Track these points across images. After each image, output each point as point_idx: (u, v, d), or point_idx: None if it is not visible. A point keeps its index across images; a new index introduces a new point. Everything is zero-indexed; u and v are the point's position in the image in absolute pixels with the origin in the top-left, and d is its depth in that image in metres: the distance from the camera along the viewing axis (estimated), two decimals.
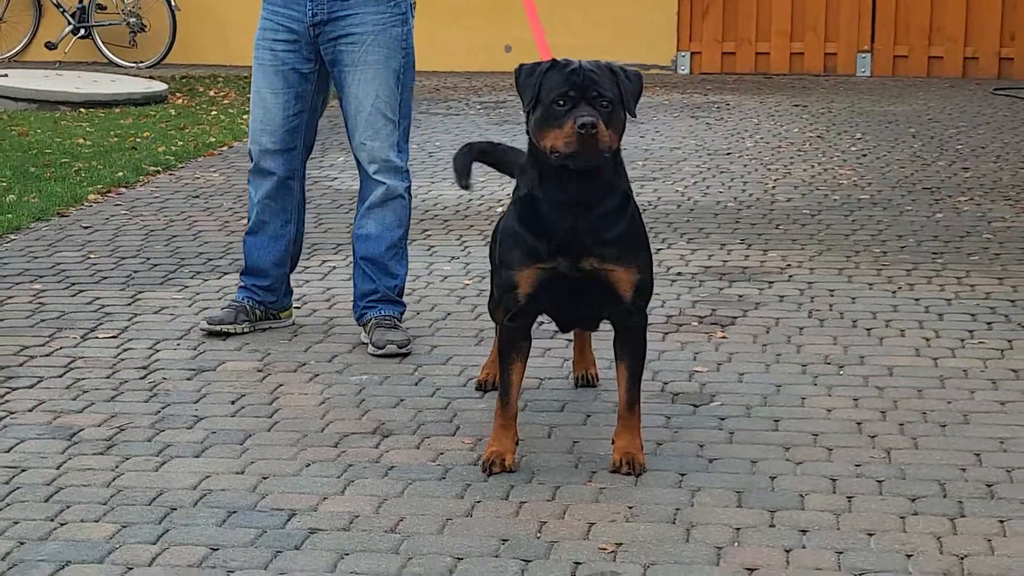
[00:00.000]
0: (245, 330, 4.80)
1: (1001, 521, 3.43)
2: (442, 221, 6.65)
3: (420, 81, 11.95)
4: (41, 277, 5.62)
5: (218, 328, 4.78)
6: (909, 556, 3.25)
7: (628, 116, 3.61)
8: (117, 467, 3.72)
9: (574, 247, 3.60)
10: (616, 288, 3.64)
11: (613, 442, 3.75)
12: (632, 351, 3.71)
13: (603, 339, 4.16)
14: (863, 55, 11.97)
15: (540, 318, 3.94)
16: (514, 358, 3.73)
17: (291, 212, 4.89)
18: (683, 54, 12.27)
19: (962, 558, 3.25)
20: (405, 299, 4.89)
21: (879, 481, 3.67)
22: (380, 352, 4.61)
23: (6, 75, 10.57)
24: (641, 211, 3.86)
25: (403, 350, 4.62)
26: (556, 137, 3.50)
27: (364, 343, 4.73)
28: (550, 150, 3.54)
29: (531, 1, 4.10)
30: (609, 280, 3.63)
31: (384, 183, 4.76)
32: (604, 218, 3.61)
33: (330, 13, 4.67)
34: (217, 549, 3.25)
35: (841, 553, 3.27)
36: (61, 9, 12.30)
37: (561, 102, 3.49)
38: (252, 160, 4.82)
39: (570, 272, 3.62)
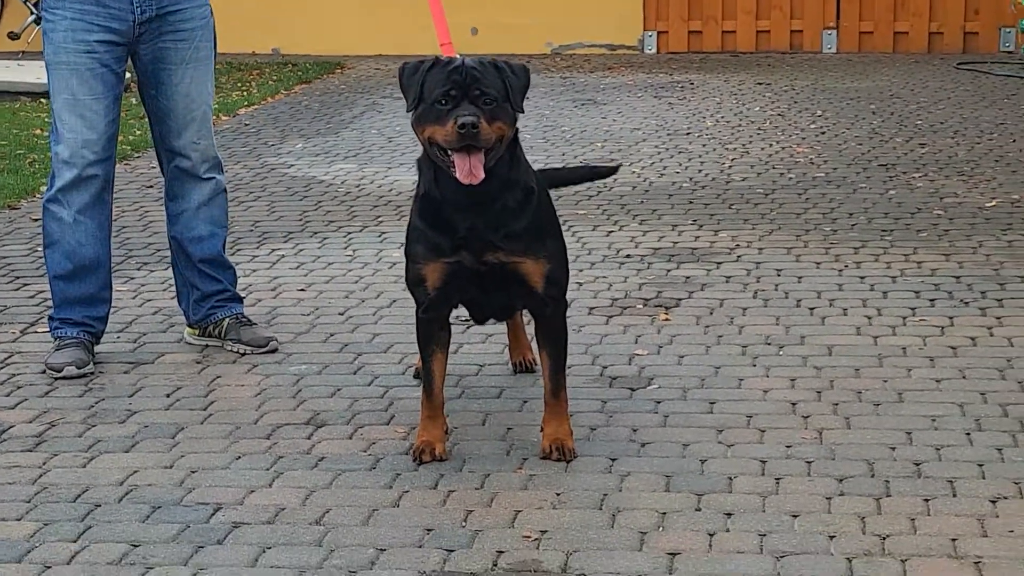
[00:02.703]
0: (91, 370, 4.40)
1: (926, 500, 3.44)
2: (395, 207, 6.64)
3: (385, 65, 12.04)
4: None
5: (80, 372, 4.35)
6: (832, 537, 3.26)
7: (516, 111, 3.58)
8: (44, 464, 3.71)
9: (476, 243, 3.61)
10: (527, 280, 3.65)
11: (542, 429, 3.75)
12: (552, 339, 3.71)
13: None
14: (829, 32, 11.95)
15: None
16: (433, 349, 3.73)
17: (106, 230, 4.53)
18: (649, 34, 12.23)
19: (884, 538, 3.25)
20: (357, 286, 4.78)
21: (808, 462, 3.68)
22: (263, 349, 4.55)
23: None
24: (551, 201, 3.85)
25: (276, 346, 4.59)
26: (436, 133, 3.50)
27: (215, 345, 4.61)
28: (431, 146, 3.53)
29: None
30: (518, 272, 3.64)
31: (214, 178, 4.62)
32: (505, 212, 3.61)
33: (159, 9, 4.41)
34: (138, 546, 3.24)
35: (764, 536, 3.27)
36: None
37: (443, 101, 3.49)
38: (63, 181, 4.40)
39: (475, 266, 3.63)
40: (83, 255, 4.48)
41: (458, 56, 3.63)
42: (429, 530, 3.32)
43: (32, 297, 5.24)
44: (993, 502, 3.42)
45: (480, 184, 3.52)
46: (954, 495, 3.47)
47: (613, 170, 4.84)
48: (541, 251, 3.65)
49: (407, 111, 3.61)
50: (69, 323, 4.50)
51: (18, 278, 5.50)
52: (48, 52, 4.42)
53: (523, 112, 3.63)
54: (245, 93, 10.19)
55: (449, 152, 3.50)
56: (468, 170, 3.47)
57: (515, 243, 3.62)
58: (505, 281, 3.67)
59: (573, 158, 7.74)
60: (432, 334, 3.75)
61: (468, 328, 4.68)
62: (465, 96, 3.47)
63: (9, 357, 4.58)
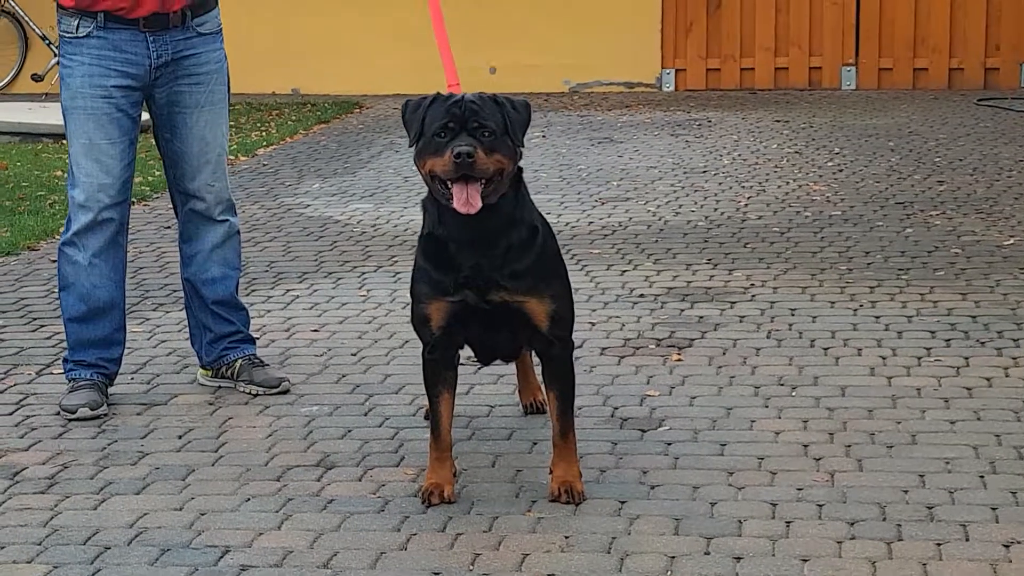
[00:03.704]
0: (105, 411, 4.43)
1: (938, 544, 3.42)
2: (410, 247, 6.64)
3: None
4: (4, 312, 5.64)
5: (94, 413, 4.37)
6: None
7: (516, 145, 3.60)
8: (56, 506, 3.72)
9: (480, 281, 3.62)
10: (531, 320, 3.66)
11: (551, 472, 3.74)
12: (559, 379, 3.71)
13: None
14: (848, 68, 11.95)
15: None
16: (440, 390, 3.73)
17: (120, 272, 4.55)
18: (668, 71, 12.26)
19: None
20: (370, 327, 4.78)
21: (819, 505, 3.66)
22: (275, 390, 4.57)
23: None
24: (557, 241, 3.87)
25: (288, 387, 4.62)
26: (435, 165, 3.54)
27: (228, 386, 4.62)
28: (433, 180, 3.56)
29: (441, 25, 4.09)
30: (523, 311, 3.65)
31: (228, 220, 4.64)
32: (510, 252, 3.63)
33: (175, 53, 4.44)
34: None
35: None
36: (47, 41, 12.35)
37: (442, 134, 3.53)
38: (79, 224, 4.43)
39: (479, 305, 3.64)
40: (98, 297, 4.51)
41: (459, 93, 3.65)
42: (436, 573, 3.32)
43: (49, 338, 5.26)
44: (1007, 546, 3.40)
45: (483, 222, 3.54)
46: (967, 539, 3.44)
47: None
48: (546, 290, 3.66)
49: (409, 146, 3.65)
50: (83, 365, 4.51)
51: (35, 319, 5.52)
52: (65, 97, 4.46)
53: (523, 147, 3.65)
54: (264, 133, 10.24)
55: (448, 184, 3.52)
56: (465, 199, 3.49)
57: (519, 282, 3.63)
58: (509, 320, 3.68)
59: (588, 196, 7.75)
60: (438, 374, 3.75)
61: (479, 369, 4.68)
62: (463, 129, 3.51)
63: (25, 398, 4.60)
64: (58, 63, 4.52)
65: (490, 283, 3.62)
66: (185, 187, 4.60)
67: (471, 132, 3.51)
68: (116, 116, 4.42)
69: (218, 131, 4.56)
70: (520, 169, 3.69)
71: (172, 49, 4.45)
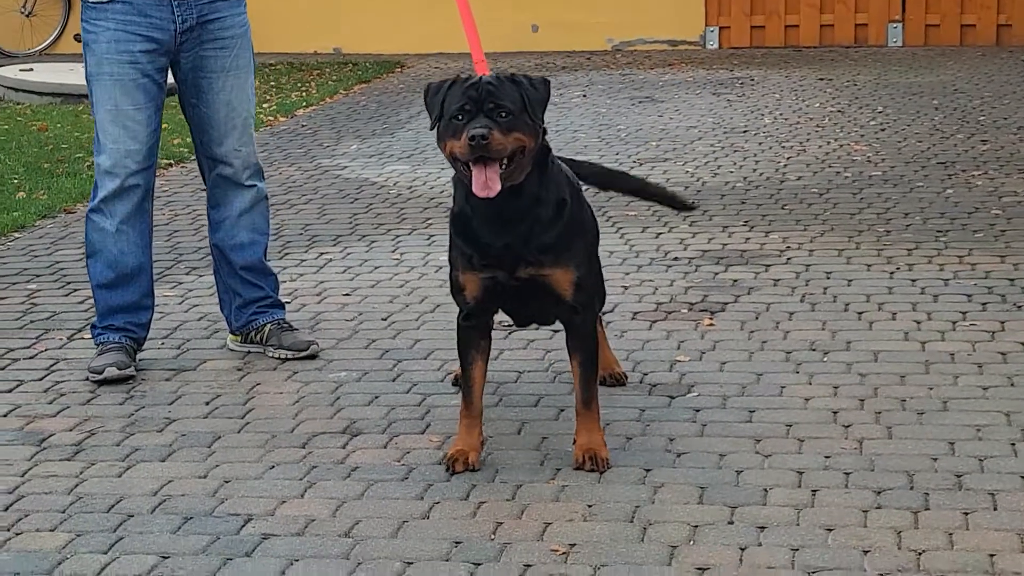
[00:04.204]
0: (133, 372, 4.43)
1: (965, 514, 3.37)
2: (445, 209, 6.58)
3: (445, 63, 12.03)
4: (38, 276, 5.67)
5: (121, 373, 4.37)
6: (866, 552, 3.20)
7: (535, 123, 3.57)
8: (81, 473, 3.73)
9: (508, 260, 3.63)
10: (555, 288, 3.66)
11: (575, 441, 3.72)
12: (582, 347, 3.70)
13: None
14: (894, 25, 11.79)
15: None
16: (473, 356, 3.72)
17: (147, 237, 4.55)
18: (711, 29, 12.14)
19: (920, 553, 3.19)
20: (402, 291, 4.75)
21: (846, 473, 3.62)
22: (304, 354, 4.56)
23: (31, 69, 10.65)
24: (589, 209, 3.86)
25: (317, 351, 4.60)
26: (454, 147, 3.54)
27: (257, 351, 4.62)
28: (455, 161, 3.56)
29: (468, 9, 4.04)
30: (548, 283, 3.66)
31: (255, 185, 4.63)
32: (536, 228, 3.62)
33: (200, 17, 4.43)
34: (167, 557, 3.25)
35: (796, 550, 3.22)
36: None
37: (459, 116, 3.52)
38: (106, 191, 4.43)
39: (508, 282, 3.65)
40: (125, 264, 4.52)
41: (488, 71, 3.64)
42: (458, 543, 3.30)
43: (81, 303, 5.28)
44: None
45: (508, 202, 3.55)
46: (995, 508, 3.39)
47: (690, 208, 4.68)
48: (570, 259, 3.66)
49: (430, 128, 3.64)
50: (112, 329, 4.53)
51: (69, 283, 5.55)
52: (91, 63, 4.44)
53: (543, 123, 3.62)
54: (304, 93, 10.23)
55: (469, 166, 3.51)
56: (484, 182, 3.49)
57: (546, 255, 3.63)
58: (537, 291, 3.69)
59: (627, 157, 7.69)
60: (472, 341, 3.75)
61: (510, 334, 4.65)
62: (480, 110, 3.51)
63: (55, 364, 4.62)
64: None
65: (518, 260, 3.63)
66: (212, 152, 4.58)
67: (487, 113, 3.50)
68: (142, 82, 4.41)
69: (244, 95, 4.54)
70: (547, 147, 3.67)
71: (197, 13, 4.43)
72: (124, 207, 4.47)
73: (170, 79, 4.56)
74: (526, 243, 3.61)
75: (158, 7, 4.39)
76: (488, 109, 3.51)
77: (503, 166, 3.51)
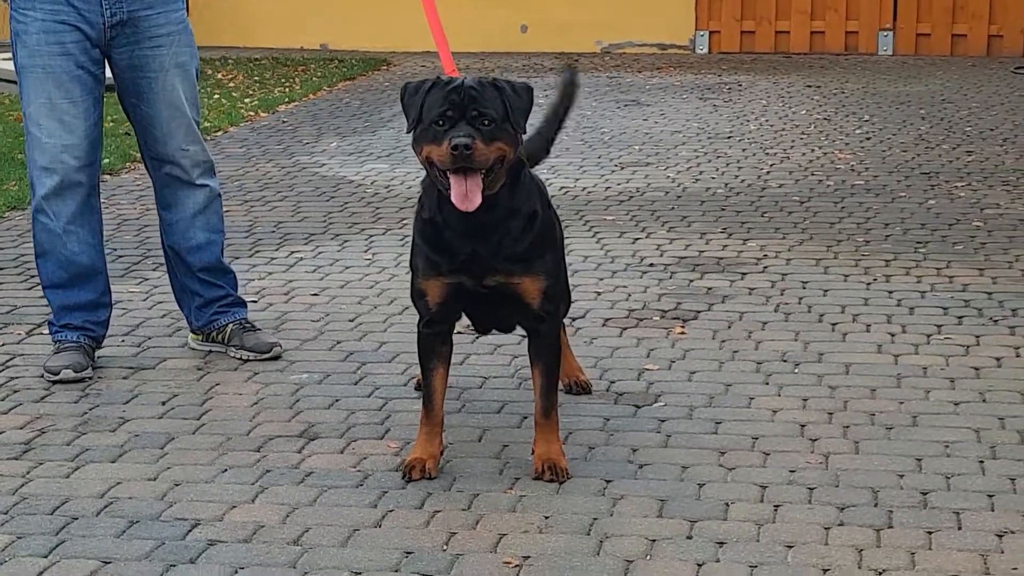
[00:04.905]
0: (90, 374, 4.34)
1: (929, 532, 3.29)
2: None
3: (432, 62, 11.94)
4: (1, 269, 5.58)
5: (77, 376, 4.28)
6: (825, 571, 3.12)
7: (517, 132, 3.47)
8: (28, 473, 3.64)
9: (476, 267, 3.53)
10: (524, 297, 3.57)
11: (533, 451, 3.64)
12: (545, 356, 3.61)
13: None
14: (885, 33, 11.73)
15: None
16: (435, 364, 3.64)
17: (98, 236, 4.44)
18: (701, 33, 12.07)
19: (880, 572, 3.11)
20: (371, 292, 4.67)
21: (810, 489, 3.54)
22: (266, 356, 4.48)
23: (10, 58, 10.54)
24: (554, 215, 3.78)
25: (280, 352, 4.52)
26: (432, 153, 3.42)
27: (219, 351, 4.54)
28: (431, 167, 3.45)
29: (434, 12, 3.96)
30: (516, 291, 3.56)
31: (208, 185, 4.51)
32: (507, 239, 3.53)
33: (130, 13, 4.29)
34: (109, 562, 3.16)
35: (754, 567, 3.14)
36: None
37: (440, 121, 3.40)
38: (45, 189, 4.30)
39: (475, 288, 3.56)
40: (79, 264, 4.42)
41: (459, 77, 3.53)
42: (409, 553, 3.22)
43: (42, 297, 5.17)
44: (999, 536, 3.27)
45: (483, 212, 3.43)
46: (959, 528, 3.32)
47: (573, 84, 4.29)
48: (540, 268, 3.57)
49: (407, 131, 3.53)
50: (70, 328, 4.43)
51: (32, 276, 5.44)
52: (22, 55, 4.28)
53: (524, 132, 3.53)
54: (288, 89, 10.14)
55: (447, 174, 3.41)
56: (464, 195, 3.38)
57: (515, 264, 3.54)
58: (503, 299, 3.60)
59: (608, 161, 7.62)
60: (434, 348, 3.66)
61: (476, 339, 4.57)
62: (462, 117, 3.38)
63: (11, 359, 4.53)
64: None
65: (487, 268, 3.53)
66: (158, 152, 4.45)
67: (470, 121, 3.38)
68: (77, 73, 4.27)
69: (185, 95, 4.40)
70: (522, 158, 3.58)
71: (128, 8, 4.29)
72: (69, 207, 4.35)
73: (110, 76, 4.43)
74: (496, 252, 3.52)
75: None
76: (471, 116, 3.38)
77: (482, 176, 3.40)
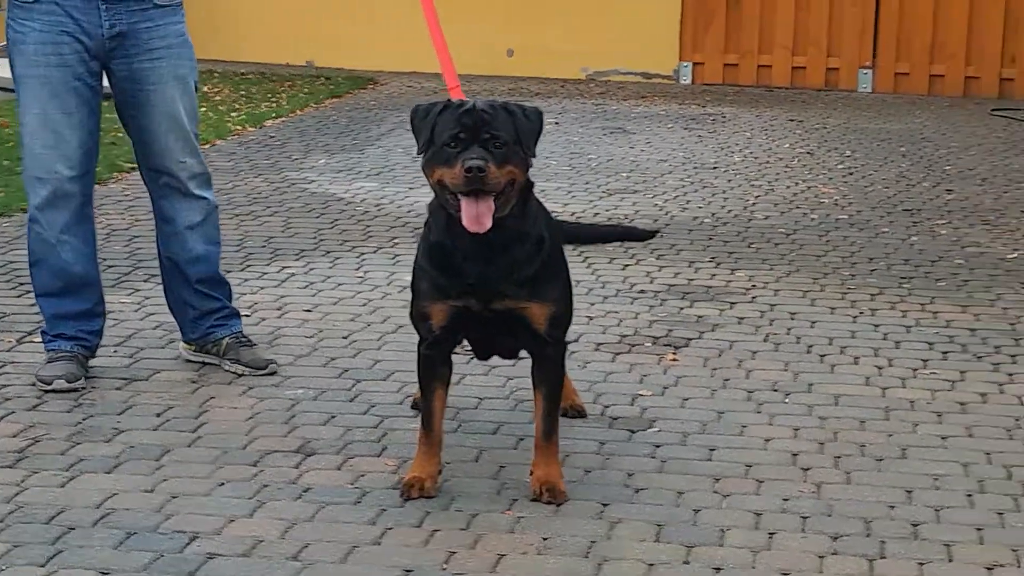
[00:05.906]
0: (83, 384, 4.34)
1: (920, 563, 3.34)
2: (412, 229, 6.56)
3: (418, 83, 11.99)
4: None
5: (70, 386, 4.28)
6: None
7: (528, 155, 3.51)
8: (23, 481, 3.64)
9: (483, 291, 3.55)
10: (531, 322, 3.59)
11: (532, 473, 3.66)
12: (549, 380, 3.64)
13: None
14: (865, 71, 11.82)
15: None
16: (435, 385, 3.66)
17: (92, 245, 4.45)
18: (685, 64, 12.14)
19: None
20: (364, 309, 4.67)
21: (804, 517, 3.58)
22: (262, 372, 4.49)
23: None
24: (560, 243, 3.79)
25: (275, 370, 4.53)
26: (444, 176, 3.44)
27: (213, 363, 4.54)
28: (442, 190, 3.47)
29: (437, 27, 3.99)
30: (524, 316, 3.58)
31: (205, 197, 4.51)
32: (515, 263, 3.55)
33: (130, 25, 4.28)
34: (107, 574, 3.17)
35: None
36: None
37: (452, 144, 3.42)
38: (38, 198, 4.31)
39: (482, 312, 3.58)
40: (73, 273, 4.42)
41: (469, 99, 3.57)
42: (408, 571, 3.24)
43: (33, 305, 5.14)
44: (989, 569, 3.32)
45: (491, 236, 3.45)
46: (950, 560, 3.36)
47: (650, 234, 4.74)
48: (548, 294, 3.59)
49: (417, 153, 3.55)
50: (63, 338, 4.43)
51: (22, 284, 5.44)
52: (19, 64, 4.28)
53: (535, 156, 3.56)
54: (275, 105, 10.15)
55: (458, 196, 3.43)
56: (475, 216, 3.40)
57: (523, 289, 3.56)
58: (510, 324, 3.61)
59: (596, 187, 7.66)
60: (434, 370, 3.68)
61: (471, 360, 4.59)
62: (475, 140, 3.41)
63: (2, 367, 4.53)
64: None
65: (494, 292, 3.55)
66: (156, 164, 4.45)
67: (482, 143, 3.40)
68: (74, 84, 4.27)
69: (183, 107, 4.40)
70: (531, 181, 3.61)
71: (127, 20, 4.29)
72: (62, 216, 4.35)
73: (107, 86, 4.43)
74: (505, 277, 3.53)
75: (85, 10, 4.25)
76: (483, 139, 3.41)
77: (496, 199, 3.43)
